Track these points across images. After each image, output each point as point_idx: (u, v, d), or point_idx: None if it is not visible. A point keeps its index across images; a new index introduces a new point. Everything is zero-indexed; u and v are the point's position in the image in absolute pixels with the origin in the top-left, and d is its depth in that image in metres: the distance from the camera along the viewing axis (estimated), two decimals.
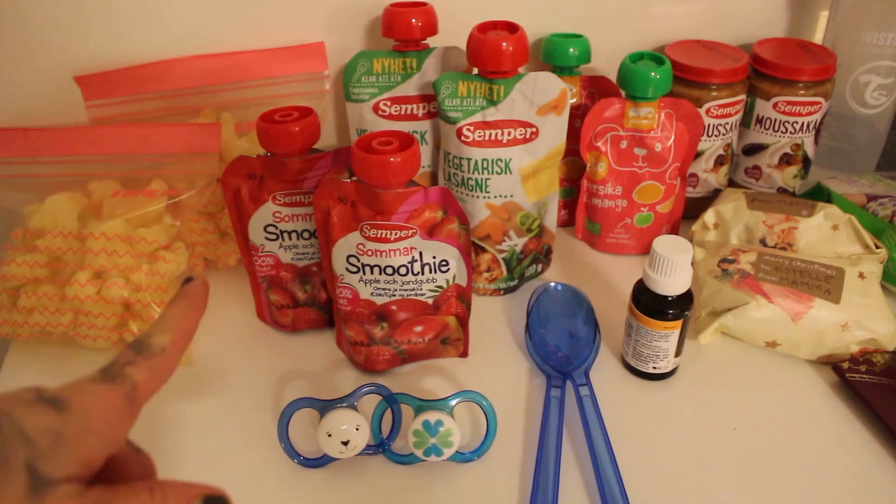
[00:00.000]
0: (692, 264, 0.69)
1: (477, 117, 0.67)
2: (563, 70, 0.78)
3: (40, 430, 0.29)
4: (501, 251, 0.72)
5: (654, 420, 0.62)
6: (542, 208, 0.72)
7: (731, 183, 0.87)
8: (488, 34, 0.65)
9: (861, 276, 0.67)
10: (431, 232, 0.61)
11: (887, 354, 0.66)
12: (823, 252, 0.72)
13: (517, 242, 0.72)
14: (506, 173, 0.68)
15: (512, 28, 0.65)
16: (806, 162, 0.83)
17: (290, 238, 0.67)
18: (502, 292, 0.75)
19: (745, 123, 0.82)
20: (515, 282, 0.75)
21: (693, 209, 0.80)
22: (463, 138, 0.67)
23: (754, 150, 0.82)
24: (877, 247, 0.71)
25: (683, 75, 0.77)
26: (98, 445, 0.31)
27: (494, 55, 0.64)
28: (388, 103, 0.72)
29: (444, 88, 0.67)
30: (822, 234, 0.72)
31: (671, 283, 0.61)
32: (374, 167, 0.58)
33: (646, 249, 0.81)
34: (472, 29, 0.65)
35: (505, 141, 0.67)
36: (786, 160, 0.82)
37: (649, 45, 0.86)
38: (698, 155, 0.80)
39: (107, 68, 0.74)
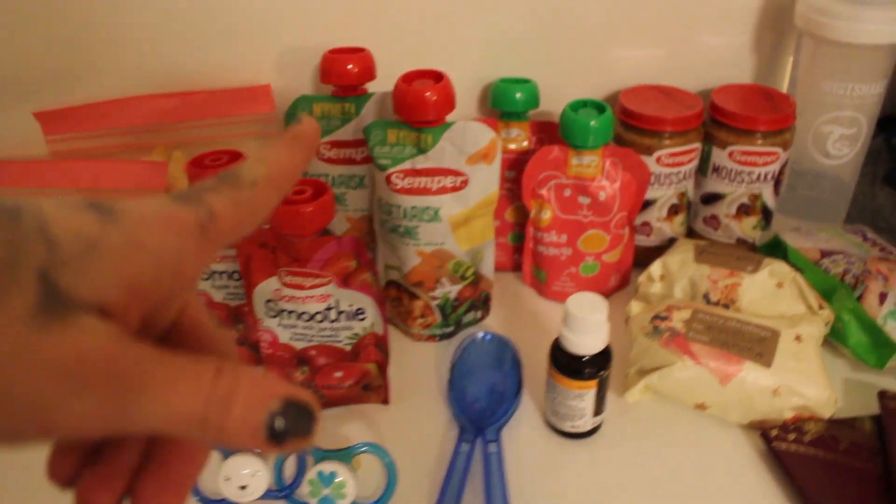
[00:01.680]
0: (627, 319, 0.68)
1: (406, 165, 0.66)
2: (511, 115, 0.77)
3: (69, 231, 0.22)
4: (434, 298, 0.71)
5: (570, 481, 0.61)
6: (476, 256, 0.71)
7: (690, 232, 0.85)
8: (414, 84, 0.65)
9: (797, 338, 0.65)
10: (346, 281, 0.61)
11: (821, 423, 0.63)
12: (766, 310, 0.69)
13: (451, 290, 0.72)
14: (435, 221, 0.68)
15: (437, 77, 0.65)
16: (766, 213, 0.80)
17: (222, 278, 0.67)
18: (438, 338, 0.74)
19: (702, 171, 0.80)
20: (451, 328, 0.74)
21: (648, 258, 0.78)
22: (392, 185, 0.67)
23: (711, 199, 0.80)
24: (821, 307, 0.69)
25: (634, 123, 0.76)
26: (150, 267, 0.23)
27: (419, 105, 0.64)
28: (328, 147, 0.73)
29: (374, 136, 0.67)
30: (765, 292, 0.70)
31: (585, 342, 0.60)
32: (286, 216, 0.58)
33: None
34: (397, 79, 0.65)
35: (434, 189, 0.67)
36: (744, 210, 0.79)
37: (606, 90, 0.84)
38: (650, 203, 0.78)
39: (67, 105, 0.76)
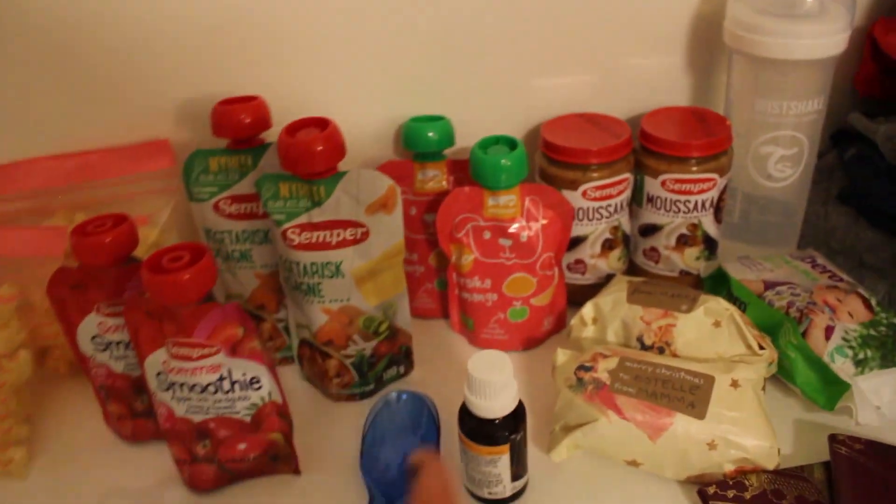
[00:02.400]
0: (553, 369, 0.63)
1: (302, 219, 0.62)
2: (426, 156, 0.72)
3: None
4: (348, 356, 0.67)
5: None
6: (388, 310, 0.67)
7: (632, 266, 0.79)
8: (298, 134, 0.60)
9: (734, 384, 0.59)
10: (234, 349, 0.56)
11: (764, 475, 0.58)
12: (703, 353, 0.64)
13: (365, 346, 0.67)
14: (338, 277, 0.63)
15: (322, 124, 0.61)
16: (708, 242, 0.75)
17: (119, 348, 0.63)
18: (358, 398, 0.69)
19: (636, 202, 0.75)
20: (371, 386, 0.69)
21: (585, 297, 0.73)
22: (289, 241, 0.62)
23: (649, 231, 0.75)
24: (761, 347, 0.63)
25: (557, 156, 0.71)
26: None
27: (305, 157, 0.60)
28: (228, 202, 0.68)
29: (266, 190, 0.63)
30: (702, 332, 0.64)
31: (490, 405, 0.55)
32: (164, 286, 0.54)
33: (525, 345, 0.74)
34: (280, 131, 0.61)
35: (334, 243, 0.62)
36: (684, 241, 0.74)
37: (530, 122, 0.79)
38: (581, 240, 0.73)
39: None
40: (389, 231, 0.63)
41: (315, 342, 0.66)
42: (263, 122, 0.66)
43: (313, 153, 0.59)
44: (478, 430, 0.56)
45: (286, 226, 0.62)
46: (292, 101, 0.71)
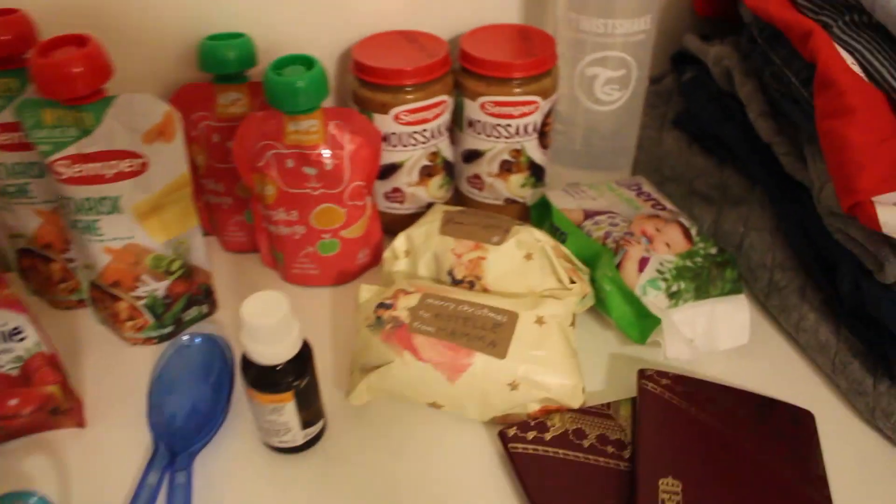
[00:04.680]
0: (357, 307, 0.59)
1: (71, 149, 0.55)
2: (225, 78, 0.66)
3: None
4: (139, 298, 0.61)
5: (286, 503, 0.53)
6: (179, 247, 0.61)
7: (457, 194, 0.75)
8: (52, 55, 0.53)
9: (539, 321, 0.56)
10: None
11: (567, 415, 0.55)
12: (514, 287, 0.61)
13: (157, 287, 0.61)
14: (116, 213, 0.57)
15: (81, 41, 0.54)
16: (534, 168, 0.71)
17: None
18: (156, 340, 0.64)
19: (458, 126, 0.70)
20: (170, 328, 0.64)
21: (406, 227, 0.68)
22: (58, 175, 0.56)
23: (471, 157, 0.71)
24: (572, 281, 0.60)
25: (367, 77, 0.65)
26: None
27: (60, 80, 0.53)
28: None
29: (28, 118, 0.56)
30: (513, 266, 0.61)
31: (268, 351, 0.50)
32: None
33: (339, 280, 0.70)
34: (31, 53, 0.53)
35: (109, 176, 0.56)
36: (507, 168, 0.70)
37: (343, 41, 0.73)
38: (397, 167, 0.69)
39: None
40: (171, 162, 0.57)
41: (101, 284, 0.61)
42: (25, 40, 0.58)
43: (70, 75, 0.52)
44: (259, 377, 0.51)
45: (53, 157, 0.55)
46: (64, 16, 0.64)
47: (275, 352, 0.50)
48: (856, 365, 0.58)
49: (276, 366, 0.51)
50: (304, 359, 0.52)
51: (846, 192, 0.52)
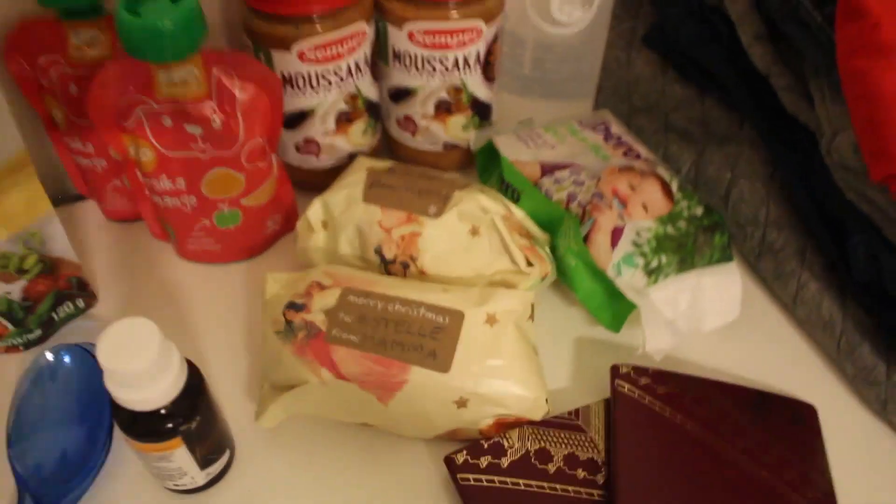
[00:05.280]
0: (263, 302, 0.47)
1: None
2: (73, 13, 0.50)
3: None
4: None
5: None
6: (31, 240, 0.48)
7: (387, 139, 0.62)
8: None
9: (490, 320, 0.45)
10: None
11: (528, 429, 0.45)
12: (458, 270, 0.49)
13: (8, 289, 0.49)
14: None
15: None
16: (478, 107, 0.58)
17: None
18: (23, 348, 0.52)
19: (382, 59, 0.56)
20: (37, 332, 0.52)
21: (326, 183, 0.55)
22: None
23: (400, 95, 0.57)
24: (529, 263, 0.49)
25: (261, 7, 0.51)
26: None
27: None
28: None
29: None
30: (455, 243, 0.49)
31: (138, 398, 0.39)
32: None
33: (244, 255, 0.57)
34: None
35: None
36: (445, 108, 0.57)
37: None
38: (307, 115, 0.55)
39: None
40: None
41: None
42: None
43: None
44: (134, 425, 0.40)
45: None
46: None
47: (150, 397, 0.39)
48: (866, 348, 0.48)
49: (155, 411, 0.39)
50: (192, 394, 0.41)
51: (879, 159, 0.40)
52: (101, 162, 0.56)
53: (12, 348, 0.52)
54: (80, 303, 0.54)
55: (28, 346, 0.52)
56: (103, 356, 0.37)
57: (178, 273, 0.57)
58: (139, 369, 0.37)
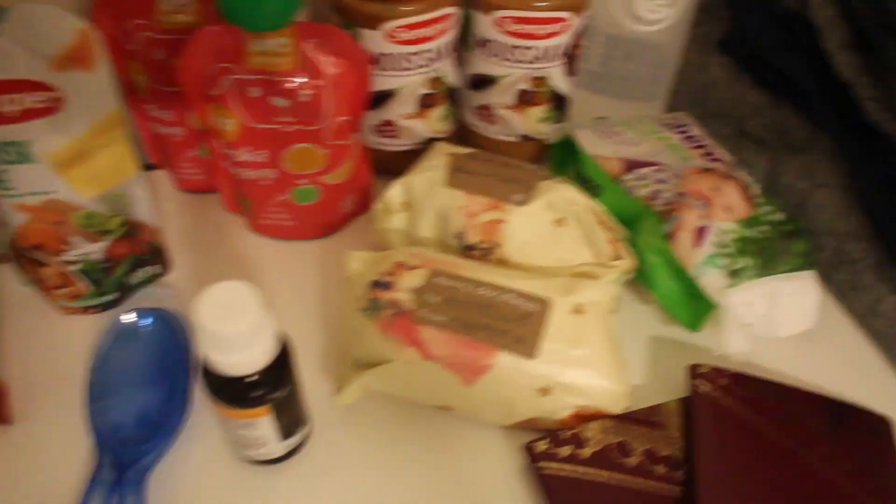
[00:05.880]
0: (345, 280, 0.47)
1: None
2: None
3: None
4: (70, 262, 0.48)
5: None
6: (116, 202, 0.48)
7: (461, 128, 0.62)
8: None
9: (577, 310, 0.45)
10: None
11: (608, 423, 0.45)
12: (541, 259, 0.49)
13: (91, 249, 0.48)
14: (28, 162, 0.43)
15: None
16: (557, 101, 0.58)
17: None
18: (98, 309, 0.52)
19: (465, 45, 0.56)
20: (115, 294, 0.51)
21: (402, 165, 0.55)
22: None
23: (481, 83, 0.57)
24: (617, 257, 0.48)
25: None
26: None
27: None
28: None
29: None
30: (540, 233, 0.49)
31: (231, 361, 0.38)
32: None
33: (318, 233, 0.57)
34: None
35: (12, 114, 0.42)
36: (526, 99, 0.57)
37: None
38: (389, 96, 0.55)
39: None
40: (95, 95, 0.43)
41: (21, 247, 0.47)
42: None
43: None
44: (224, 389, 0.39)
45: None
46: None
47: (243, 361, 0.38)
48: None
49: (247, 376, 0.39)
50: (282, 365, 0.40)
51: None
52: (180, 131, 0.56)
53: (88, 309, 0.51)
54: (155, 270, 0.53)
55: (104, 308, 0.52)
56: (202, 316, 0.36)
57: (249, 247, 0.57)
58: (236, 332, 0.37)
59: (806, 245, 0.51)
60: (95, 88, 0.43)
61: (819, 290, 0.50)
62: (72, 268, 0.49)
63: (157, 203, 0.59)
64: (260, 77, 0.48)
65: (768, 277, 0.50)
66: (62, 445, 0.45)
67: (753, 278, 0.50)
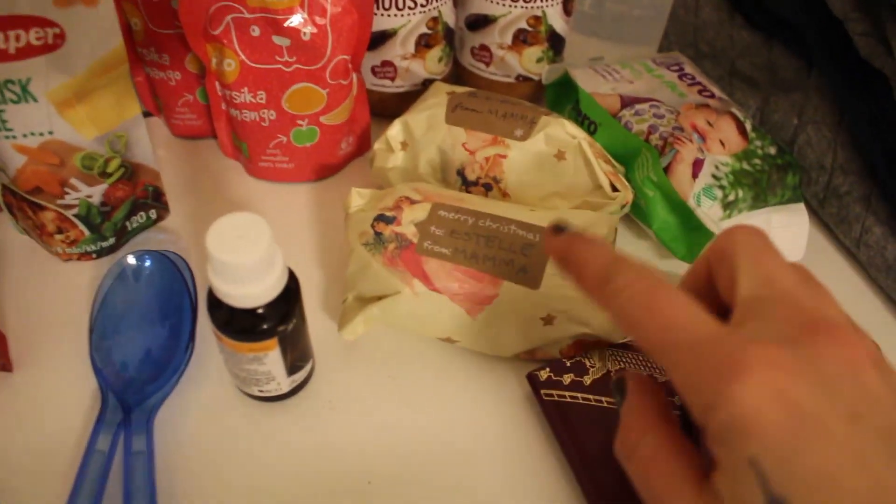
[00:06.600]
0: (345, 217, 0.47)
1: None
2: None
3: None
4: (69, 206, 0.48)
5: (267, 459, 0.43)
6: (116, 142, 0.48)
7: (457, 69, 0.62)
8: None
9: None
10: None
11: (608, 351, 0.46)
12: (541, 193, 0.50)
13: (90, 192, 0.48)
14: (27, 101, 0.43)
15: None
16: (554, 40, 0.58)
17: None
18: (95, 255, 0.52)
19: None
20: (112, 240, 0.51)
21: (398, 109, 0.55)
22: None
23: (478, 23, 0.58)
24: (614, 188, 0.49)
25: None
26: None
27: None
28: None
29: None
30: (541, 166, 0.50)
31: (241, 293, 0.38)
32: None
33: (316, 175, 0.57)
34: None
35: (12, 51, 0.41)
36: (522, 39, 0.57)
37: None
38: (389, 36, 0.55)
39: None
40: (97, 31, 0.43)
41: (17, 189, 0.47)
42: None
43: None
44: (232, 322, 0.40)
45: None
46: None
47: (253, 293, 0.39)
48: None
49: (256, 308, 0.39)
50: (290, 297, 0.41)
51: None
52: (176, 75, 0.56)
53: (85, 255, 0.52)
54: (153, 214, 0.53)
55: (101, 253, 0.52)
56: (212, 246, 0.36)
57: (247, 191, 0.57)
58: (247, 263, 0.37)
59: (798, 177, 0.52)
60: (98, 25, 0.43)
61: (808, 222, 0.52)
62: (70, 212, 0.49)
63: (154, 149, 0.59)
64: (261, 15, 0.48)
65: (761, 209, 0.51)
66: (66, 390, 0.45)
67: (747, 210, 0.51)
